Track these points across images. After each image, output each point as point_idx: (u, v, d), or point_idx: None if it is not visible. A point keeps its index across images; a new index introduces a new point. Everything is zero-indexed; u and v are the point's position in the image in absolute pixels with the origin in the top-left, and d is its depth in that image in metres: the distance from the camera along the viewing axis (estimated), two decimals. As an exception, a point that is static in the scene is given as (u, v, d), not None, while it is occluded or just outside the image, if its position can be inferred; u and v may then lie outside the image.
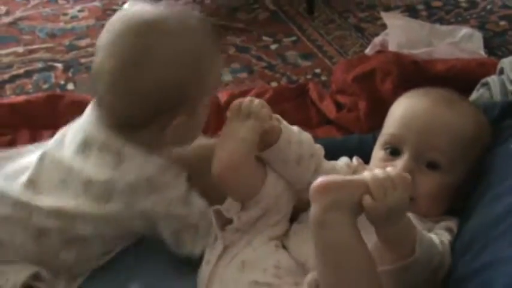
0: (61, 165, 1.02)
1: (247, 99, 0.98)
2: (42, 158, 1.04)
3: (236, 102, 0.98)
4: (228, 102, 1.48)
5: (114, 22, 1.01)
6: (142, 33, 0.97)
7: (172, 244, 1.03)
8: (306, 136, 1.03)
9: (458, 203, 1.01)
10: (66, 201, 0.99)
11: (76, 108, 1.43)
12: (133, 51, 0.97)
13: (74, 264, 1.02)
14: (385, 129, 1.07)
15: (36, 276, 0.99)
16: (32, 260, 1.00)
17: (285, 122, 1.01)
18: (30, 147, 1.13)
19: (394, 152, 1.02)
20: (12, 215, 0.99)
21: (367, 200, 0.80)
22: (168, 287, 1.02)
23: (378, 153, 1.05)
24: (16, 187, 1.01)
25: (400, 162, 0.99)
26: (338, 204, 0.81)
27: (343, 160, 1.10)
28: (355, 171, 1.05)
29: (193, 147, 1.11)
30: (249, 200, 0.98)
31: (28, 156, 1.07)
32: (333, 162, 1.08)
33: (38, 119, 1.45)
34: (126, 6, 1.95)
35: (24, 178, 1.02)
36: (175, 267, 1.04)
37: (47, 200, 0.99)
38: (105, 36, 1.01)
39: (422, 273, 0.88)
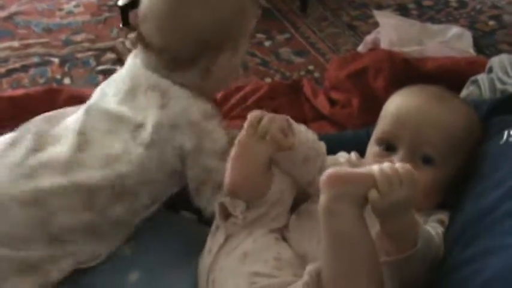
0: (108, 115, 1.05)
1: (267, 118, 0.96)
2: (88, 111, 1.07)
3: (255, 115, 0.97)
4: (224, 98, 1.51)
5: None
6: None
7: (193, 191, 1.06)
8: (312, 135, 1.05)
9: (450, 197, 1.03)
10: (115, 146, 1.01)
11: (74, 102, 1.46)
12: None
13: (124, 217, 1.03)
14: (379, 126, 1.08)
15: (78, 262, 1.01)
16: (82, 227, 0.99)
17: (294, 124, 1.01)
18: (72, 108, 1.14)
19: (388, 147, 1.04)
20: (61, 183, 0.98)
21: (373, 193, 0.82)
22: (168, 275, 1.03)
23: (372, 148, 1.07)
24: (67, 144, 1.02)
25: (397, 158, 1.01)
26: (346, 195, 0.83)
27: (343, 155, 1.12)
28: (354, 165, 1.08)
29: None
30: (255, 201, 0.99)
31: (74, 114, 1.09)
32: (334, 156, 1.10)
33: (37, 112, 1.43)
34: (119, 2, 1.98)
35: (72, 134, 1.03)
36: (175, 257, 1.05)
37: (96, 150, 1.01)
38: None
39: (421, 265, 0.89)
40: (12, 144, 1.03)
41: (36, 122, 1.09)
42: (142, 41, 1.06)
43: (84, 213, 0.99)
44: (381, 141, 1.06)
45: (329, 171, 0.85)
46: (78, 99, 1.48)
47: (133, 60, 1.08)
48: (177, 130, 1.02)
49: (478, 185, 0.97)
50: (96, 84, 1.67)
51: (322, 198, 0.84)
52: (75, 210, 0.98)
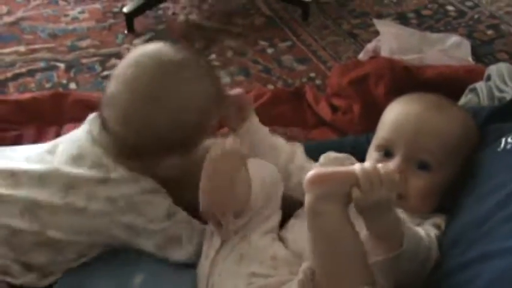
0: (46, 163, 1.03)
1: (222, 144, 1.00)
2: (29, 156, 1.06)
3: (216, 146, 1.00)
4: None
5: (135, 57, 1.04)
6: (161, 76, 1.00)
7: (157, 254, 1.05)
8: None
9: (446, 201, 1.05)
10: (43, 196, 1.00)
11: (80, 106, 1.49)
12: (151, 89, 0.99)
13: (45, 264, 1.02)
14: (378, 133, 1.10)
15: (5, 271, 1.00)
16: (3, 257, 1.00)
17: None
18: (15, 147, 1.15)
19: (387, 153, 1.06)
20: None
21: (355, 192, 0.84)
22: (170, 278, 1.04)
23: (372, 154, 1.09)
24: None
25: (393, 164, 1.03)
26: (329, 194, 0.85)
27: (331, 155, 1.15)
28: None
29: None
30: (239, 211, 1.00)
31: (14, 151, 1.10)
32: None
33: (44, 116, 1.48)
34: (125, 9, 2.00)
35: (6, 170, 1.03)
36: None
37: (24, 193, 1.00)
38: (122, 68, 1.03)
39: (409, 266, 0.91)
40: None
41: None
42: (102, 122, 1.05)
43: (3, 248, 1.00)
44: (379, 148, 1.08)
45: (312, 171, 0.87)
46: (85, 103, 1.50)
47: (88, 128, 1.07)
48: (113, 203, 1.01)
49: (475, 191, 0.99)
50: (102, 90, 1.71)
51: (307, 199, 0.86)
52: None
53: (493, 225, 0.89)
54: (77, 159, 1.03)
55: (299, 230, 1.02)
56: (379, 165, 0.87)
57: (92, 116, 1.08)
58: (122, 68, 1.03)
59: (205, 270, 1.00)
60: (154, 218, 1.03)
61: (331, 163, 1.12)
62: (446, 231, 0.99)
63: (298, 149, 1.18)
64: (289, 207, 1.10)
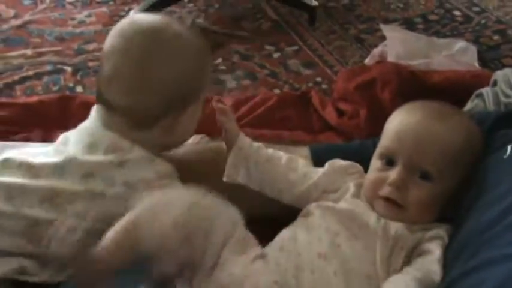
0: (63, 154, 1.04)
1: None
2: (48, 149, 1.08)
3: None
4: (233, 107, 1.53)
5: (122, 28, 1.08)
6: (153, 35, 1.05)
7: None
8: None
9: (448, 211, 1.04)
10: (62, 185, 1.01)
11: (87, 110, 1.47)
12: (145, 51, 1.04)
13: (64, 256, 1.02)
14: (381, 142, 1.10)
15: (21, 270, 1.00)
16: (21, 250, 1.00)
17: None
18: (33, 144, 1.17)
19: (389, 162, 1.06)
20: (2, 208, 0.99)
21: None
22: None
23: (375, 163, 1.09)
24: (14, 172, 1.03)
25: (394, 173, 1.03)
26: None
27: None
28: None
29: (193, 151, 1.17)
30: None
31: (33, 148, 1.12)
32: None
33: (51, 119, 1.48)
34: (132, 13, 2.01)
35: (24, 162, 1.04)
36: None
37: (43, 182, 1.01)
38: (114, 42, 1.06)
39: None
40: None
41: None
42: (104, 103, 1.07)
43: (20, 241, 1.00)
44: (381, 156, 1.08)
45: None
46: (91, 106, 1.49)
47: (96, 115, 1.09)
48: (130, 188, 1.01)
49: (480, 199, 0.98)
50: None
51: None
52: (12, 236, 0.99)
53: (497, 233, 0.89)
54: (91, 146, 1.04)
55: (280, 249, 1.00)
56: None
57: (96, 106, 1.11)
58: (108, 45, 1.08)
59: None
60: None
61: (336, 171, 1.12)
62: (450, 240, 0.99)
63: (301, 156, 1.18)
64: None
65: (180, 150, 1.18)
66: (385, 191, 1.03)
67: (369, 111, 1.47)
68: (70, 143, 1.08)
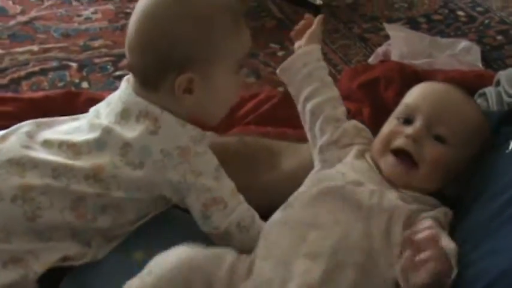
0: (100, 127, 1.05)
1: None
2: (80, 124, 1.09)
3: None
4: (237, 105, 1.54)
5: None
6: None
7: (199, 217, 1.05)
8: None
9: (449, 186, 1.06)
10: (103, 159, 1.02)
11: (92, 105, 1.47)
12: (150, 5, 1.03)
13: (109, 229, 1.04)
14: (402, 102, 1.13)
15: (64, 258, 1.01)
16: (68, 229, 1.01)
17: None
18: (65, 117, 1.15)
19: (406, 121, 1.08)
20: (51, 183, 1.00)
21: None
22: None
23: (391, 121, 1.11)
24: (55, 151, 1.03)
25: (411, 129, 1.05)
26: None
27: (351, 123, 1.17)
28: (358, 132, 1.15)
29: (217, 141, 1.16)
30: None
31: (66, 124, 1.11)
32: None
33: (56, 114, 1.45)
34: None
35: (64, 141, 1.05)
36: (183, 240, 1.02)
37: (85, 160, 1.02)
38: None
39: None
40: (2, 140, 1.05)
41: (26, 124, 1.10)
42: (131, 69, 1.08)
43: (69, 216, 1.00)
44: (400, 114, 1.10)
45: None
46: (96, 102, 1.50)
47: (126, 84, 1.09)
48: (167, 156, 1.02)
49: (483, 192, 1.00)
50: (114, 89, 1.71)
51: None
52: (61, 212, 1.00)
53: (502, 223, 0.90)
54: (123, 115, 1.05)
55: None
56: None
57: (126, 76, 1.11)
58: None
59: None
60: (204, 173, 1.04)
61: (352, 129, 1.16)
62: (456, 231, 0.99)
63: (306, 154, 1.20)
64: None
65: None
66: (401, 141, 1.04)
67: (372, 110, 1.48)
68: (102, 115, 1.08)
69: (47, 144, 1.05)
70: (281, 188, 1.12)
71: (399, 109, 1.11)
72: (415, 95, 1.12)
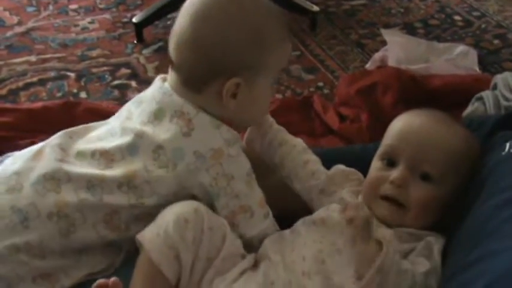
0: (132, 131, 1.03)
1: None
2: (112, 126, 1.07)
3: None
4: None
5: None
6: None
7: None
8: None
9: (443, 217, 1.05)
10: (135, 165, 1.01)
11: (91, 115, 1.50)
12: (204, 7, 1.02)
13: None
14: (384, 141, 1.11)
15: (91, 273, 1.01)
16: (100, 242, 1.01)
17: None
18: (96, 123, 1.14)
19: (390, 163, 1.07)
20: (85, 199, 0.99)
21: None
22: None
23: (376, 163, 1.10)
24: (89, 162, 1.02)
25: (396, 172, 1.04)
26: None
27: (339, 167, 1.16)
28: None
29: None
30: None
31: (98, 129, 1.10)
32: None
33: (55, 125, 1.45)
34: (134, 19, 2.02)
35: (97, 150, 1.04)
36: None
37: (118, 168, 1.01)
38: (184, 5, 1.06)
39: None
40: (36, 157, 1.04)
41: (58, 136, 1.09)
42: (169, 59, 1.06)
43: (104, 230, 1.00)
44: (383, 156, 1.09)
45: None
46: (95, 112, 1.52)
47: (161, 83, 1.07)
48: (200, 158, 1.01)
49: (480, 194, 1.00)
50: (112, 99, 1.74)
51: None
52: (94, 226, 1.00)
53: (497, 225, 0.90)
54: (157, 114, 1.03)
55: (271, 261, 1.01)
56: None
57: (160, 75, 1.10)
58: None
59: None
60: (236, 177, 1.03)
61: (338, 176, 1.13)
62: (454, 232, 0.99)
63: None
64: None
65: None
66: (386, 188, 1.04)
67: (370, 116, 1.49)
68: (134, 115, 1.07)
69: (80, 155, 1.04)
70: (278, 193, 1.12)
71: (382, 150, 1.10)
72: (395, 132, 1.10)
